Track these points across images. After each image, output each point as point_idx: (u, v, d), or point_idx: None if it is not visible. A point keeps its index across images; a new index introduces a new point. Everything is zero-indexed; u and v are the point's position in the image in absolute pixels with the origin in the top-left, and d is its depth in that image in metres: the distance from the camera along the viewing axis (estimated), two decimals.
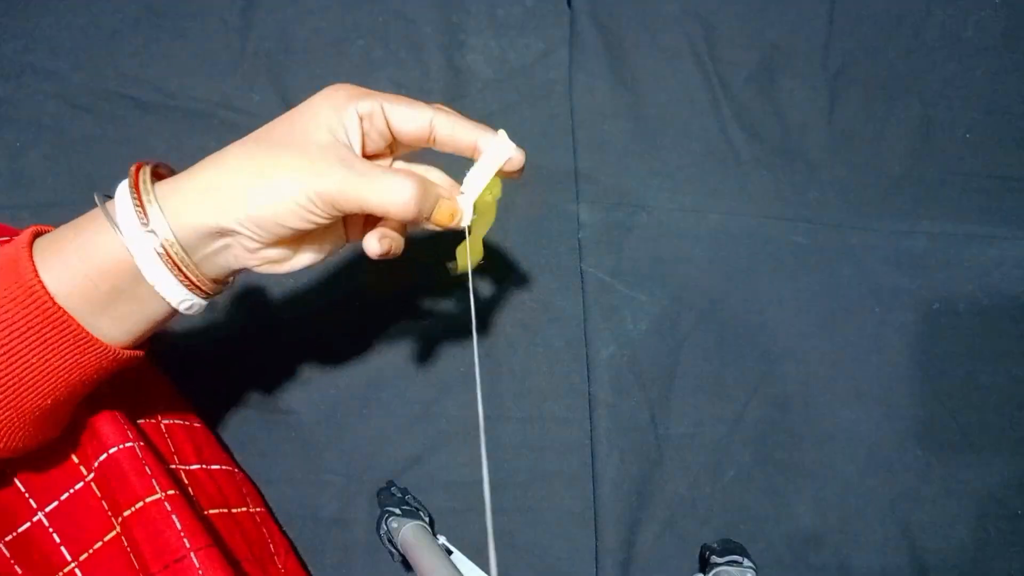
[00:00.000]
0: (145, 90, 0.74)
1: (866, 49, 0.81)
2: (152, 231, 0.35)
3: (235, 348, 0.67)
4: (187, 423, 0.53)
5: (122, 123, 0.73)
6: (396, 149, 0.42)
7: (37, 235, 0.37)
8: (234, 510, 0.52)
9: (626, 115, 0.77)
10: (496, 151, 0.40)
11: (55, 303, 0.34)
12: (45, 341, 0.35)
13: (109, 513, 0.42)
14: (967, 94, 0.80)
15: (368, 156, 0.40)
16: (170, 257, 0.35)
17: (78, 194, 0.70)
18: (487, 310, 0.70)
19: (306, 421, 0.66)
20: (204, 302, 0.39)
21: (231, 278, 0.41)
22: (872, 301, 0.73)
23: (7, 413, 0.35)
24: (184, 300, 0.38)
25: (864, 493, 0.68)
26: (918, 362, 0.72)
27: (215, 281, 0.39)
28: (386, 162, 0.42)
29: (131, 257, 0.35)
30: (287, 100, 0.74)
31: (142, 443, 0.44)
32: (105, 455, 0.42)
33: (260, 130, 0.38)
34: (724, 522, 0.67)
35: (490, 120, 0.76)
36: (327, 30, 0.77)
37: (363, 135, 0.38)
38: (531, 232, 0.72)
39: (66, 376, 0.36)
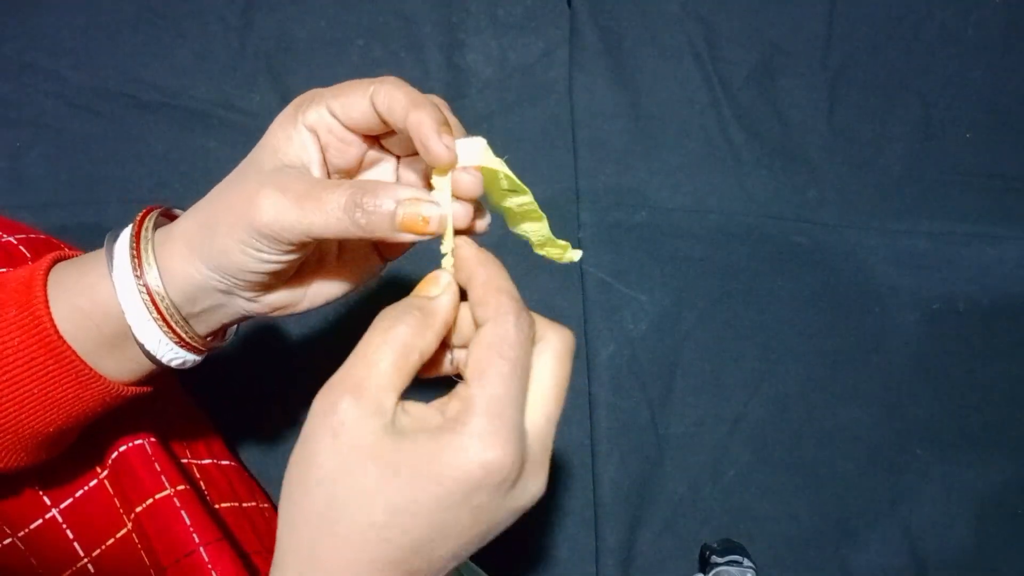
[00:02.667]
0: (145, 90, 0.74)
1: (866, 49, 0.81)
2: (144, 284, 0.33)
3: (237, 348, 0.67)
4: (197, 419, 0.54)
5: (122, 123, 0.73)
6: (399, 151, 0.37)
7: (59, 260, 0.36)
8: (244, 504, 0.52)
9: (626, 115, 0.77)
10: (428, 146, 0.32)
11: (60, 337, 0.33)
12: (48, 373, 0.34)
13: (121, 510, 0.43)
14: (967, 94, 0.80)
15: (350, 169, 0.36)
16: (161, 315, 0.34)
17: (78, 194, 0.70)
18: None
19: (306, 421, 0.66)
20: (198, 358, 0.37)
21: (230, 332, 0.39)
22: (872, 301, 0.73)
23: (7, 437, 0.35)
24: (175, 358, 0.36)
25: (864, 493, 0.68)
26: (918, 362, 0.72)
27: (211, 337, 0.37)
28: (388, 167, 0.38)
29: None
30: (287, 100, 0.72)
31: (153, 439, 0.44)
32: (117, 452, 0.42)
33: (224, 180, 0.35)
34: (724, 522, 0.67)
35: (490, 120, 0.76)
36: (327, 30, 0.77)
37: (322, 148, 0.34)
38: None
39: (68, 408, 0.35)
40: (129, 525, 0.42)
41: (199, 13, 0.76)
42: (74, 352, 0.34)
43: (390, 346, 0.29)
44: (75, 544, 0.42)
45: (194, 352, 0.36)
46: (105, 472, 0.43)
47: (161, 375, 0.38)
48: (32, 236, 0.48)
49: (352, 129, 0.34)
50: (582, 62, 0.78)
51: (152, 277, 0.33)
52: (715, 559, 0.61)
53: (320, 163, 0.34)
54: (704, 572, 0.62)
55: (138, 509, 0.41)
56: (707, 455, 0.68)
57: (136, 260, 0.33)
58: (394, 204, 0.31)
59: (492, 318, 0.29)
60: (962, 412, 0.71)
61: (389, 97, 0.32)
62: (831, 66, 0.80)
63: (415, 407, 0.29)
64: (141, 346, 0.34)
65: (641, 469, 0.67)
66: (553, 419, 0.30)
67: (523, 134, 0.76)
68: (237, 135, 0.72)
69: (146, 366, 0.36)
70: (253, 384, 0.67)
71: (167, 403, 0.51)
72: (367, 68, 0.77)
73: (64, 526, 0.42)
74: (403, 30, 0.78)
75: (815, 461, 0.69)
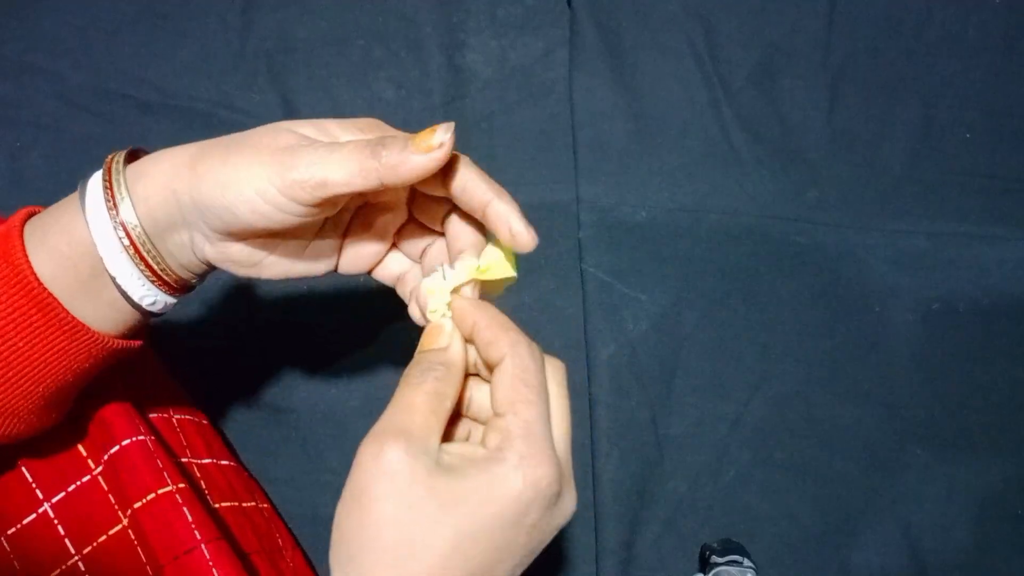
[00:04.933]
0: (145, 90, 0.74)
1: (866, 49, 0.81)
2: (119, 218, 0.34)
3: (235, 347, 0.67)
4: (196, 419, 0.54)
5: (122, 123, 0.73)
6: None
7: (30, 215, 0.36)
8: (244, 504, 0.52)
9: (626, 115, 0.77)
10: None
11: (40, 284, 0.33)
12: (32, 324, 0.34)
13: (116, 507, 0.42)
14: (967, 94, 0.80)
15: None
16: (134, 244, 0.34)
17: None
18: None
19: (306, 421, 0.66)
20: (171, 300, 0.37)
21: (198, 277, 0.38)
22: (872, 301, 0.73)
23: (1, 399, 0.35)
24: (146, 296, 0.36)
25: (864, 493, 0.68)
26: (918, 362, 0.72)
27: (181, 276, 0.37)
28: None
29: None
30: (287, 100, 0.74)
31: (153, 437, 0.44)
32: (116, 447, 0.42)
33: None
34: (724, 522, 0.67)
35: (490, 120, 0.76)
36: (327, 30, 0.77)
37: None
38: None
39: (56, 364, 0.35)
40: (125, 522, 0.42)
41: (199, 13, 0.76)
42: (56, 299, 0.34)
43: (426, 395, 0.32)
44: (66, 541, 0.42)
45: (167, 291, 0.36)
46: (100, 468, 0.43)
47: (145, 330, 0.38)
48: None
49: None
50: (582, 62, 0.78)
51: (125, 208, 0.34)
52: (715, 559, 0.61)
53: None
54: (704, 572, 0.62)
55: (136, 505, 0.41)
56: (707, 455, 0.68)
57: (108, 192, 0.34)
58: (403, 142, 0.32)
59: (508, 353, 0.33)
60: (962, 412, 0.71)
61: (467, 180, 0.34)
62: (831, 66, 0.80)
63: (454, 446, 0.32)
64: (113, 280, 0.35)
65: (641, 469, 0.67)
66: (569, 437, 0.34)
67: (523, 134, 0.76)
68: None
69: (124, 312, 0.36)
70: (253, 384, 0.67)
71: (166, 401, 0.51)
72: (367, 68, 0.77)
73: (56, 522, 0.42)
74: (403, 30, 0.78)
75: (815, 461, 0.69)
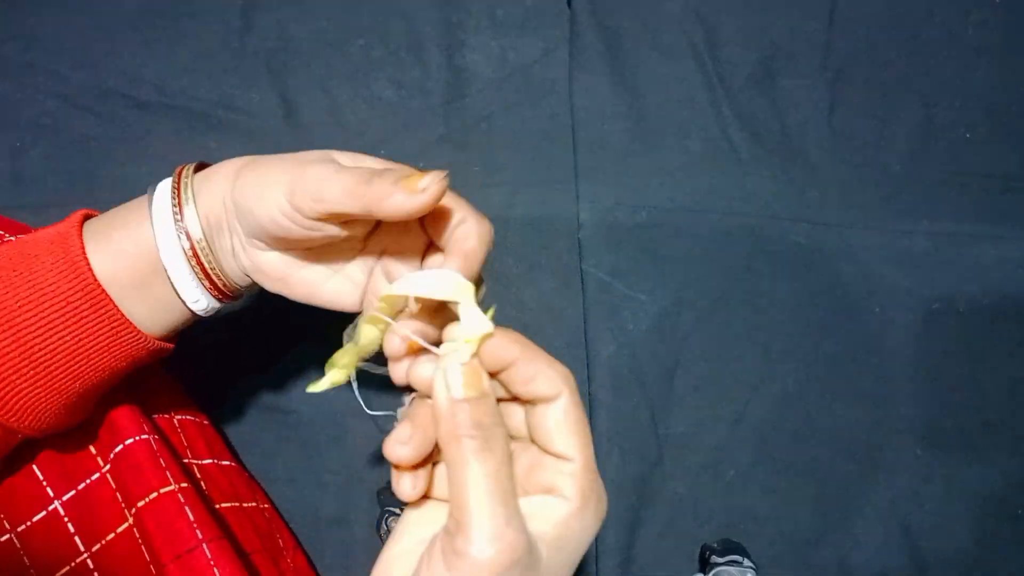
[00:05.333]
0: (145, 90, 0.74)
1: (866, 49, 0.81)
2: (183, 225, 0.36)
3: (236, 348, 0.67)
4: (198, 419, 0.54)
5: (122, 123, 0.73)
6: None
7: (87, 217, 0.38)
8: (245, 504, 0.52)
9: (626, 115, 0.77)
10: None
11: (96, 281, 0.35)
12: (82, 318, 0.35)
13: (123, 504, 0.43)
14: (967, 94, 0.80)
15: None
16: (194, 248, 0.37)
17: (78, 194, 0.70)
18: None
19: (306, 421, 0.66)
20: (217, 304, 0.40)
21: (244, 288, 0.41)
22: (872, 301, 0.73)
23: (39, 392, 0.36)
24: (199, 299, 0.39)
25: (864, 493, 0.68)
26: (918, 362, 0.72)
27: (231, 282, 0.40)
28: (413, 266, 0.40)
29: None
30: (287, 100, 0.74)
31: (156, 436, 0.44)
32: (121, 446, 0.42)
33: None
34: (724, 522, 0.67)
35: (490, 120, 0.76)
36: (327, 30, 0.77)
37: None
38: (531, 232, 0.72)
39: (97, 359, 0.37)
40: (130, 520, 0.42)
41: (199, 13, 0.76)
42: (109, 297, 0.36)
43: (501, 462, 0.29)
44: (76, 538, 0.42)
45: (217, 295, 0.39)
46: (107, 466, 0.43)
47: (180, 334, 0.41)
48: None
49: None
50: (582, 62, 0.78)
51: (190, 215, 0.36)
52: (715, 559, 0.61)
53: None
54: (704, 572, 0.62)
55: (139, 504, 0.41)
56: (707, 455, 0.68)
57: (177, 199, 0.36)
58: (393, 178, 0.33)
59: (566, 391, 0.31)
60: (962, 412, 0.71)
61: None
62: (831, 66, 0.80)
63: (531, 505, 0.30)
64: (170, 280, 0.37)
65: (641, 469, 0.67)
66: None
67: (523, 134, 0.76)
68: (237, 135, 0.72)
69: (171, 312, 0.39)
70: (253, 384, 0.67)
71: (168, 402, 0.52)
72: (367, 68, 0.77)
73: (66, 519, 0.42)
74: (403, 30, 0.78)
75: (815, 461, 0.69)
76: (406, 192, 0.32)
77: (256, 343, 0.67)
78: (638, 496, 0.66)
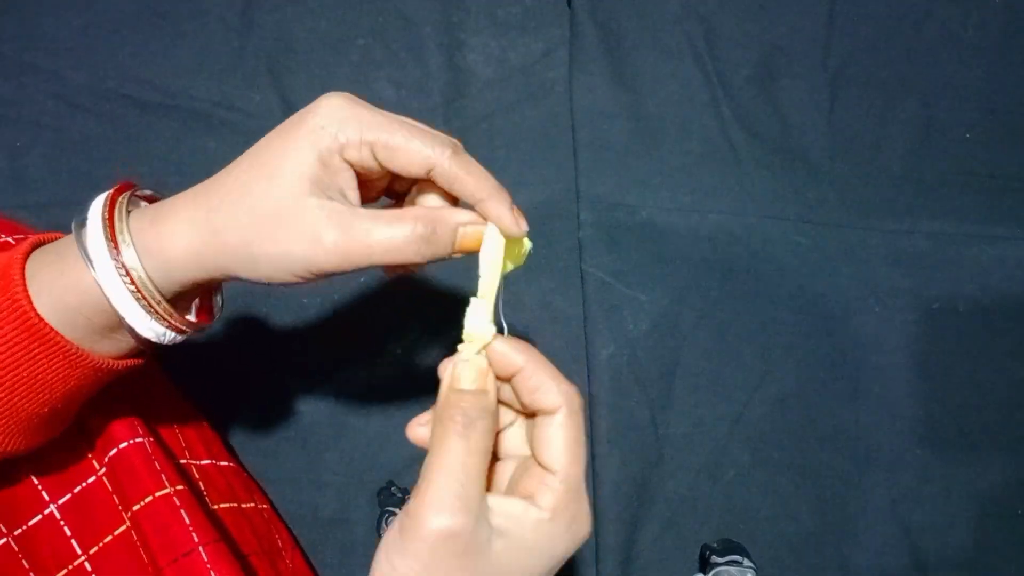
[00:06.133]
0: (145, 90, 0.74)
1: (866, 49, 0.81)
2: (123, 266, 0.33)
3: (236, 349, 0.67)
4: (196, 420, 0.54)
5: (122, 123, 0.73)
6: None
7: (38, 245, 0.35)
8: (243, 505, 0.52)
9: (626, 115, 0.77)
10: (490, 247, 0.35)
11: (40, 319, 0.33)
12: (33, 356, 0.33)
13: (120, 507, 0.43)
14: (967, 94, 0.80)
15: (366, 187, 0.36)
16: (143, 296, 0.33)
17: (78, 194, 0.70)
18: None
19: (306, 421, 0.66)
20: (183, 337, 0.37)
21: (217, 309, 0.39)
22: (872, 301, 0.73)
23: (3, 421, 0.35)
24: (166, 333, 0.36)
25: (864, 493, 0.68)
26: (918, 362, 0.72)
27: (190, 320, 0.37)
28: (384, 182, 0.38)
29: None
30: (287, 100, 0.74)
31: (152, 438, 0.44)
32: (115, 450, 0.42)
33: (239, 171, 0.34)
34: (724, 522, 0.67)
35: (490, 120, 0.76)
36: (327, 30, 0.77)
37: (357, 176, 0.34)
38: (531, 232, 0.72)
39: (61, 386, 0.35)
40: (127, 523, 0.42)
41: (199, 13, 0.76)
42: (58, 334, 0.33)
43: (478, 455, 0.31)
44: (72, 541, 0.42)
45: (180, 331, 0.37)
46: (103, 469, 0.43)
47: (153, 348, 0.38)
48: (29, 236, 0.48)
49: (390, 171, 0.35)
50: (582, 62, 0.78)
51: (130, 256, 0.33)
52: (715, 559, 0.61)
53: (356, 188, 0.34)
54: (704, 572, 0.62)
55: (136, 507, 0.41)
56: (707, 455, 0.68)
57: (112, 242, 0.33)
58: (455, 233, 0.34)
59: (565, 407, 0.32)
60: (962, 412, 0.71)
61: (452, 180, 0.34)
62: (831, 66, 0.80)
63: (497, 502, 0.31)
64: (133, 331, 0.35)
65: (641, 469, 0.67)
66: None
67: (523, 134, 0.76)
68: (237, 135, 0.72)
69: (133, 342, 0.36)
70: (253, 384, 0.67)
71: (165, 404, 0.51)
72: (367, 68, 0.77)
73: (62, 523, 0.42)
74: (403, 30, 0.78)
75: (815, 461, 0.69)
76: (465, 252, 0.35)
77: (256, 343, 0.67)
78: (638, 496, 0.66)
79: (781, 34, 0.80)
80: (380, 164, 0.34)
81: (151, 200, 0.37)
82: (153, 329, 0.35)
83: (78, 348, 0.34)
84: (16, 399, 0.34)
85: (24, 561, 0.42)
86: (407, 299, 0.70)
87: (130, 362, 0.37)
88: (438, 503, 0.29)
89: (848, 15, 0.81)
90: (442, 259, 0.35)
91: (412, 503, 0.29)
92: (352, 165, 0.34)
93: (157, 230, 0.34)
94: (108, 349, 0.36)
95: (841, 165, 0.77)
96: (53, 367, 0.34)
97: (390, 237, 0.32)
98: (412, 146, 0.33)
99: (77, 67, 0.74)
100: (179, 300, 0.36)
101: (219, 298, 0.41)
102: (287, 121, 0.34)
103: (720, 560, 0.61)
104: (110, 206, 0.34)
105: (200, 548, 0.41)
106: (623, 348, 0.70)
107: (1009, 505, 0.69)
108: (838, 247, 0.74)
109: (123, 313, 0.34)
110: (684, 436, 0.68)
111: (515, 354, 0.33)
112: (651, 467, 0.67)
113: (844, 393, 0.70)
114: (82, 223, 0.34)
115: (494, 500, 0.31)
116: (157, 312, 0.34)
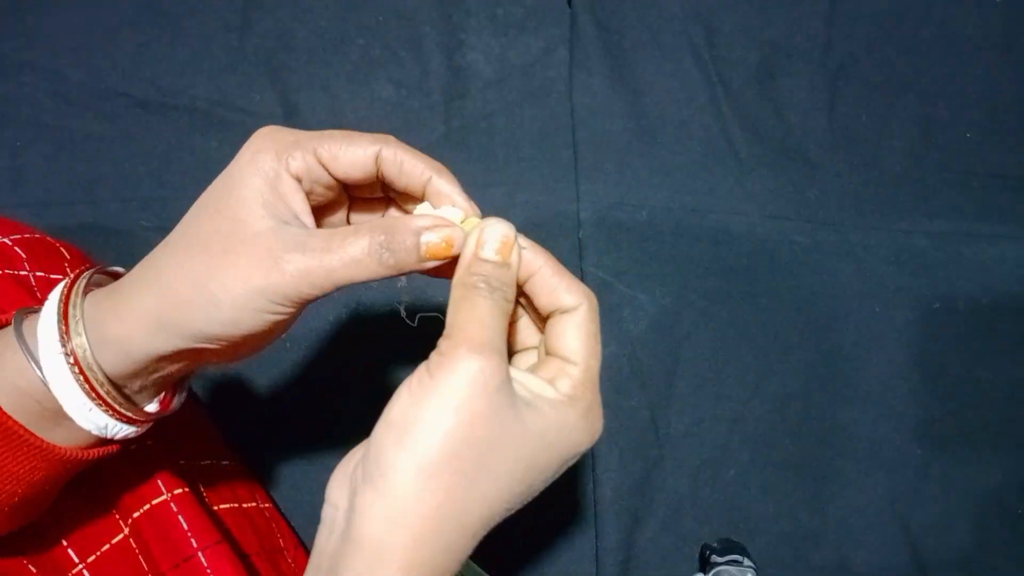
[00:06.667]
0: (145, 90, 0.74)
1: (866, 48, 0.81)
2: (68, 345, 0.31)
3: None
4: (197, 420, 0.54)
5: (122, 123, 0.73)
6: (353, 194, 0.37)
7: None
8: (244, 505, 0.52)
9: (626, 115, 0.77)
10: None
11: (4, 413, 0.31)
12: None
13: (117, 516, 0.42)
14: (967, 93, 0.80)
15: (319, 213, 0.35)
16: (99, 397, 0.32)
17: (78, 194, 0.70)
18: None
19: (306, 421, 0.66)
20: (141, 430, 0.35)
21: (178, 400, 0.37)
22: (872, 301, 0.73)
23: None
24: (108, 425, 0.33)
25: (864, 493, 0.68)
26: (918, 362, 0.72)
27: (155, 404, 0.35)
28: (341, 215, 0.37)
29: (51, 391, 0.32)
30: (287, 99, 0.74)
31: (150, 441, 0.44)
32: (110, 456, 0.42)
33: (184, 225, 0.32)
34: (724, 522, 0.67)
35: (490, 120, 0.76)
36: (327, 30, 0.77)
37: (306, 195, 0.33)
38: (531, 232, 0.72)
39: (27, 477, 0.33)
40: (126, 531, 0.42)
41: (199, 13, 0.76)
42: (19, 425, 0.32)
43: (501, 312, 0.30)
44: (69, 551, 0.42)
45: (127, 421, 0.34)
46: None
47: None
48: (27, 236, 0.48)
49: (338, 179, 0.34)
50: (582, 62, 0.78)
51: (82, 347, 0.31)
52: (715, 559, 0.61)
53: (309, 212, 0.33)
54: (704, 572, 0.62)
55: (135, 515, 0.41)
56: (707, 455, 0.68)
57: (65, 335, 0.31)
58: (417, 237, 0.32)
59: (586, 304, 0.33)
60: (961, 411, 0.71)
61: (400, 162, 0.33)
62: (831, 66, 0.80)
63: (519, 374, 0.31)
64: (80, 428, 0.33)
65: (641, 469, 0.67)
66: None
67: (523, 134, 0.76)
68: (237, 135, 0.72)
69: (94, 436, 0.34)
70: (255, 385, 0.67)
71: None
72: (367, 67, 0.77)
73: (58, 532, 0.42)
74: (403, 30, 0.78)
75: (815, 461, 0.69)
76: (440, 259, 0.33)
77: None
78: (638, 496, 0.66)
79: (781, 33, 0.80)
80: (327, 169, 0.33)
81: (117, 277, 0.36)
82: (93, 421, 0.33)
83: (42, 441, 0.32)
84: None
85: (31, 566, 0.42)
86: (413, 300, 0.70)
87: (102, 450, 0.35)
88: (470, 342, 0.28)
89: (848, 14, 0.81)
90: (415, 270, 0.33)
91: (441, 346, 0.29)
92: (300, 180, 0.32)
93: (112, 301, 0.32)
94: (67, 439, 0.33)
95: (841, 164, 0.77)
96: (17, 459, 0.32)
97: (349, 252, 0.31)
98: (352, 141, 0.33)
99: (77, 66, 0.74)
100: (138, 388, 0.34)
101: (182, 396, 0.38)
102: (225, 168, 0.33)
103: (720, 560, 0.61)
104: (68, 286, 0.33)
105: (199, 553, 0.40)
106: (623, 348, 0.70)
107: (1009, 504, 0.69)
108: (838, 247, 0.74)
109: (60, 398, 0.32)
110: (684, 436, 0.68)
111: (538, 255, 0.34)
112: (651, 467, 0.67)
113: (844, 393, 0.70)
114: (24, 315, 0.33)
115: (516, 372, 0.31)
116: (100, 397, 0.32)
